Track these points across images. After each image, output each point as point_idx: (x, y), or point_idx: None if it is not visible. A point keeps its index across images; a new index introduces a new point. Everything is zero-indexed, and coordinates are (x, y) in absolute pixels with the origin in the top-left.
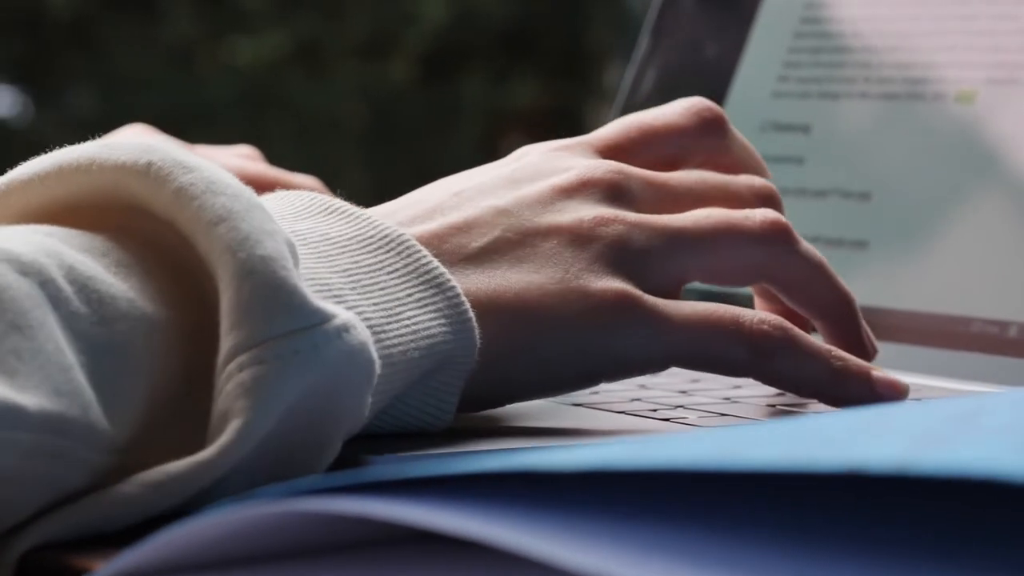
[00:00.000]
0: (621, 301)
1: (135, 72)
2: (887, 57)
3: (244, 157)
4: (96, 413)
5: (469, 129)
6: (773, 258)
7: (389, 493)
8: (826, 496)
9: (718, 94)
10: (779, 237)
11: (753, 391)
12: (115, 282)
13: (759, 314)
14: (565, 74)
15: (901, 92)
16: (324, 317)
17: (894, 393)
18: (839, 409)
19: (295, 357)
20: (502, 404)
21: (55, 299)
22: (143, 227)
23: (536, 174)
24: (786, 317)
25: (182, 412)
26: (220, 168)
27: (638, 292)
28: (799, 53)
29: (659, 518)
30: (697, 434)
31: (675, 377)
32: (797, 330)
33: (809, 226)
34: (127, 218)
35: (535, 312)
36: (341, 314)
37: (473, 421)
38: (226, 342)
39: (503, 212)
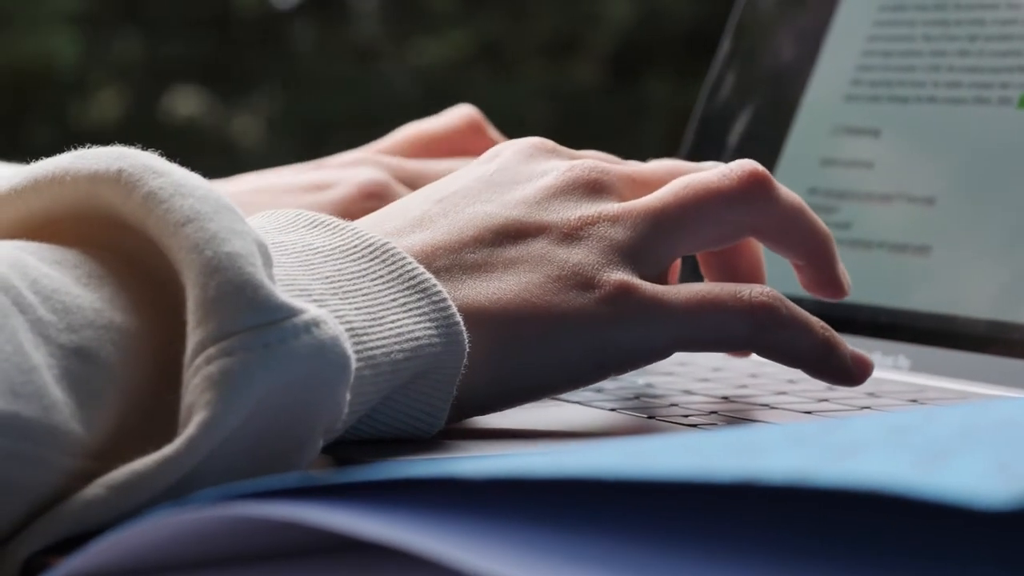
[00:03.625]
0: (620, 292)
1: (321, 72)
2: (955, 61)
3: (464, 117)
4: (61, 416)
5: (655, 129)
6: (756, 213)
7: (319, 499)
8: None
9: (793, 97)
10: (759, 191)
11: (793, 398)
12: (83, 293)
13: (755, 287)
14: None
15: (968, 96)
16: (291, 312)
17: (864, 369)
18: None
19: (264, 350)
20: (514, 404)
21: (20, 305)
22: (119, 238)
23: (516, 176)
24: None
25: (160, 421)
26: (191, 173)
27: (636, 281)
28: (872, 56)
29: (580, 526)
30: (614, 443)
31: (718, 384)
32: (788, 300)
33: (874, 231)
34: (104, 229)
35: (539, 309)
36: (311, 310)
37: (485, 426)
38: (193, 338)
39: (490, 216)
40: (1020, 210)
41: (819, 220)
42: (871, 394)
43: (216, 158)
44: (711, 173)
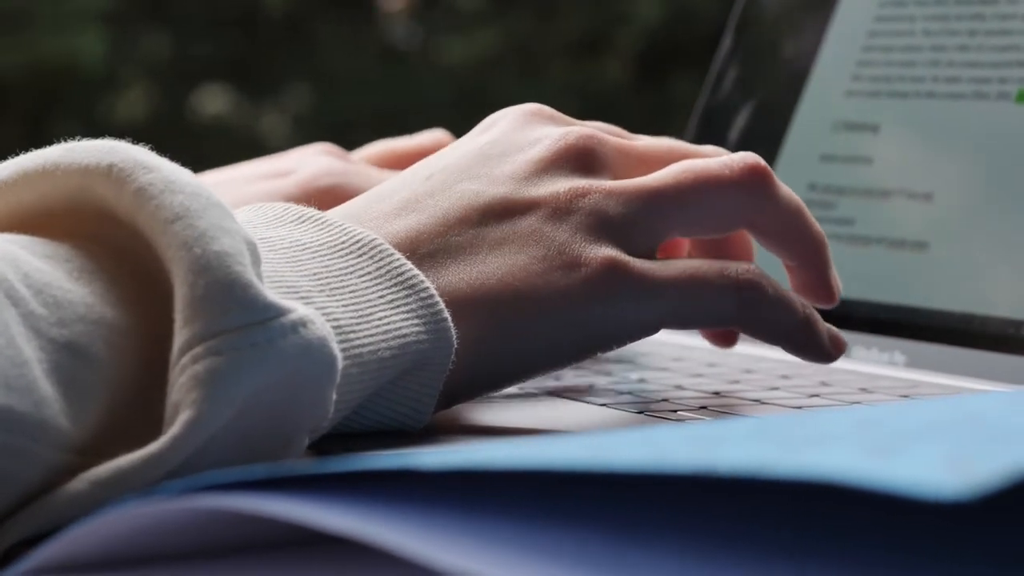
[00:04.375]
0: (608, 269)
1: (349, 70)
2: (955, 56)
3: (436, 139)
4: (52, 410)
5: (683, 128)
6: (753, 205)
7: (282, 491)
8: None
9: (794, 92)
10: (758, 183)
11: (785, 393)
12: (74, 287)
13: (740, 264)
14: None
15: (966, 92)
16: (279, 311)
17: (838, 347)
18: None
19: (251, 350)
20: (503, 387)
21: (13, 298)
22: (111, 232)
23: (508, 147)
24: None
25: (148, 416)
26: (182, 168)
27: (624, 257)
28: (872, 52)
29: (545, 519)
30: (579, 436)
31: (712, 379)
32: (771, 277)
33: (873, 227)
34: (95, 223)
35: (521, 294)
36: (299, 309)
37: (468, 421)
38: (180, 336)
39: (477, 195)
40: (1017, 206)
41: (816, 223)
42: (863, 390)
43: (243, 156)
44: (713, 161)
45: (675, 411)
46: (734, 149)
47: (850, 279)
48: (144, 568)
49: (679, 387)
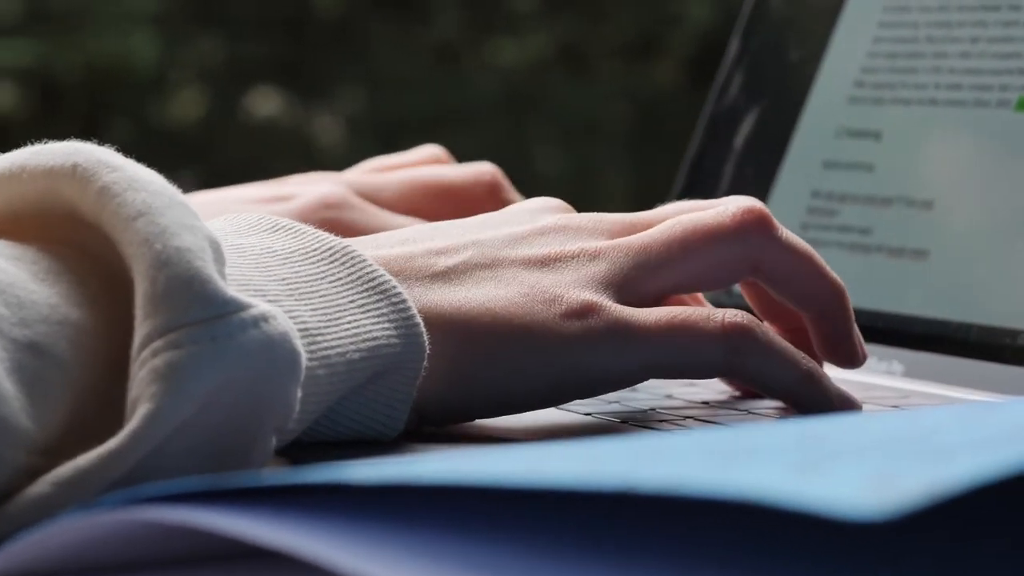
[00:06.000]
0: (586, 310)
1: (400, 72)
2: (956, 63)
3: (430, 157)
4: (11, 409)
5: None
6: (753, 250)
7: (219, 503)
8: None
9: (799, 99)
10: (755, 228)
11: (775, 401)
12: (39, 288)
13: (729, 310)
14: None
15: (968, 99)
16: (240, 306)
17: (848, 405)
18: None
19: (212, 344)
20: (472, 419)
21: None
22: (78, 234)
23: (511, 218)
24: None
25: (112, 416)
26: (146, 168)
27: (606, 302)
28: (876, 58)
29: (483, 532)
30: (519, 448)
31: (703, 388)
32: (767, 326)
33: (874, 235)
34: (63, 225)
35: (500, 320)
36: (259, 305)
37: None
38: (140, 331)
39: (475, 243)
40: (1017, 214)
41: (831, 271)
42: None
43: (296, 158)
44: (706, 212)
45: (660, 421)
46: (739, 154)
47: (850, 286)
48: None
49: (668, 396)
